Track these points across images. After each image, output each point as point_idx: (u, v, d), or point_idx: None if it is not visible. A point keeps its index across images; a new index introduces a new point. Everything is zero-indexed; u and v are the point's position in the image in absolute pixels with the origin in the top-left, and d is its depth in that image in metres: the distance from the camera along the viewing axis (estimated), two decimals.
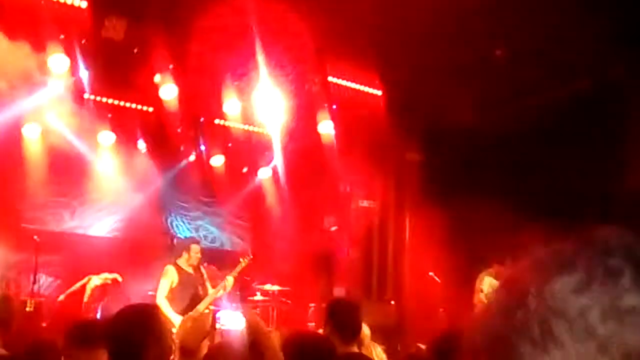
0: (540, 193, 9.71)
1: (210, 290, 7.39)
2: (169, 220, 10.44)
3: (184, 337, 4.92)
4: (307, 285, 10.00)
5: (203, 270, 7.41)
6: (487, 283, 8.22)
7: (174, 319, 6.81)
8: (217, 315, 7.75)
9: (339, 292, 9.90)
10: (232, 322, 8.08)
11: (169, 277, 7.17)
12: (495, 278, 8.23)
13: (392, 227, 10.33)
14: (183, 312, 6.95)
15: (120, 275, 8.24)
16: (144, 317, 3.11)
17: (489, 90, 9.75)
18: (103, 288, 8.05)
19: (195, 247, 7.37)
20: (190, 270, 7.32)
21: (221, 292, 7.46)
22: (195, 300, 7.19)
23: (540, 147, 9.73)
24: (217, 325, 7.53)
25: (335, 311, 4.36)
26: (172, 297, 7.10)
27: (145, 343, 2.96)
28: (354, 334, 4.33)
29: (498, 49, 9.52)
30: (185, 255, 7.32)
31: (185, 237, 9.99)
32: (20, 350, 4.15)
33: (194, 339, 4.88)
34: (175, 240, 9.56)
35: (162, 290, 7.13)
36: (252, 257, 7.94)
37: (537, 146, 9.75)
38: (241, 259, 7.81)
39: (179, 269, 7.25)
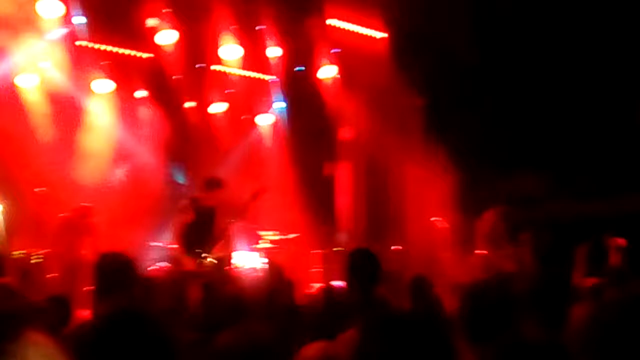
0: (543, 138, 9.73)
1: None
2: (170, 169, 10.34)
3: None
4: (310, 232, 10.03)
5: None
6: (491, 225, 8.18)
7: (186, 259, 6.89)
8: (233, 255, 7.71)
9: (341, 237, 9.94)
10: (248, 262, 8.13)
11: (185, 216, 7.14)
12: (501, 220, 8.18)
13: (394, 172, 10.30)
14: (197, 251, 6.99)
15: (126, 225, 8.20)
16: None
17: (491, 32, 9.64)
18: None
19: (217, 189, 7.28)
20: (207, 209, 7.24)
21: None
22: (210, 239, 7.16)
23: (542, 88, 9.69)
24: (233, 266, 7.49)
25: (354, 261, 4.38)
26: (188, 235, 7.02)
27: None
28: (373, 283, 4.35)
29: None
30: (204, 194, 7.26)
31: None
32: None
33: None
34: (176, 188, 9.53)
35: (177, 229, 7.13)
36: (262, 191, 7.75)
37: (539, 87, 9.70)
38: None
39: (196, 207, 7.18)
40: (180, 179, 10.06)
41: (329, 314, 3.66)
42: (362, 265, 4.30)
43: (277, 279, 4.60)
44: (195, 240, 7.05)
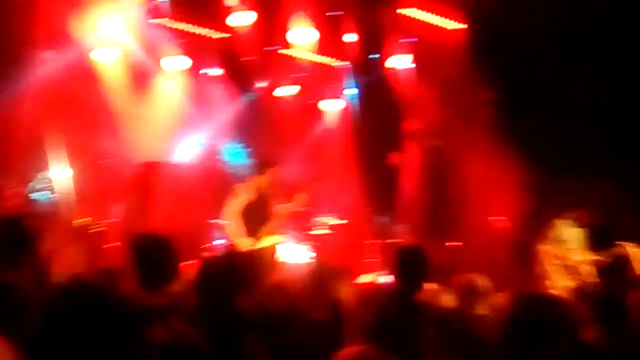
0: (622, 137, 9.31)
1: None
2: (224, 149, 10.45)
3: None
4: (367, 220, 10.00)
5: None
6: (561, 230, 7.91)
7: (240, 240, 6.94)
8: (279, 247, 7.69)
9: (400, 229, 9.87)
10: (295, 255, 8.11)
11: (240, 197, 7.14)
12: (576, 225, 7.89)
13: (460, 168, 10.12)
14: (254, 233, 7.03)
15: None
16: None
17: (575, 34, 9.28)
18: None
19: (272, 170, 7.27)
20: (264, 190, 7.21)
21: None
22: (267, 221, 7.18)
23: (624, 92, 9.27)
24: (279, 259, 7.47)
25: (402, 259, 4.32)
26: (244, 216, 7.07)
27: None
28: (420, 282, 4.29)
29: None
30: (260, 175, 7.25)
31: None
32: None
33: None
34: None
35: (232, 209, 7.09)
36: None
37: (620, 90, 9.29)
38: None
39: (253, 188, 7.18)
40: (241, 159, 10.14)
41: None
42: (409, 263, 4.25)
43: (319, 281, 4.55)
44: (252, 221, 7.07)
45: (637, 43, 8.95)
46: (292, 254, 8.14)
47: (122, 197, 8.35)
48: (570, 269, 7.73)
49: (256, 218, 7.09)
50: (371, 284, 6.64)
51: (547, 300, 3.30)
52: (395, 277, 4.31)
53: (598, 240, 7.90)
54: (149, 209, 8.06)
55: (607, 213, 8.40)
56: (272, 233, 7.17)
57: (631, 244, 7.31)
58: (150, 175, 7.95)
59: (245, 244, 6.97)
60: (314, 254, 8.10)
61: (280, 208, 7.19)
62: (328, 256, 7.40)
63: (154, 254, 3.51)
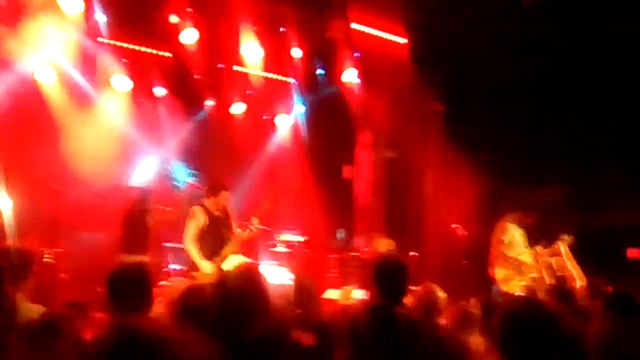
0: (564, 144, 9.60)
1: (237, 231, 7.14)
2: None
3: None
4: (327, 235, 9.94)
5: (234, 227, 7.20)
6: (511, 233, 8.08)
7: (203, 264, 6.76)
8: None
9: (359, 242, 9.84)
10: (273, 277, 7.94)
11: (197, 219, 6.98)
12: (519, 226, 8.08)
13: (414, 178, 10.20)
14: (210, 256, 6.87)
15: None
16: None
17: (515, 40, 9.50)
18: None
19: (224, 194, 7.15)
20: (217, 213, 7.09)
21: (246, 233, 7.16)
22: (222, 243, 7.04)
23: (565, 99, 9.56)
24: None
25: (381, 271, 4.24)
26: (199, 240, 6.91)
27: None
28: (400, 296, 4.22)
29: None
30: (212, 198, 7.13)
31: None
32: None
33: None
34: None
35: (191, 232, 6.91)
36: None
37: (561, 98, 9.58)
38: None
39: (208, 211, 7.06)
40: (188, 178, 9.91)
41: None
42: (391, 277, 4.17)
43: (306, 298, 4.44)
44: (208, 245, 6.93)
45: (577, 39, 9.23)
46: (271, 274, 7.99)
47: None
48: (523, 269, 7.92)
49: (211, 241, 6.95)
50: (348, 300, 6.56)
51: (536, 306, 3.31)
52: (376, 292, 4.22)
53: (539, 238, 8.10)
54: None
55: (550, 213, 8.67)
56: (232, 255, 7.01)
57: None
58: (142, 203, 7.67)
59: (207, 267, 6.78)
60: (292, 275, 7.96)
61: (239, 233, 7.06)
62: (303, 274, 7.29)
63: (133, 282, 3.39)
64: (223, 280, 2.88)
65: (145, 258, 7.40)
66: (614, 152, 9.42)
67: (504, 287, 7.90)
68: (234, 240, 7.00)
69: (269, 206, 7.69)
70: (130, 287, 3.34)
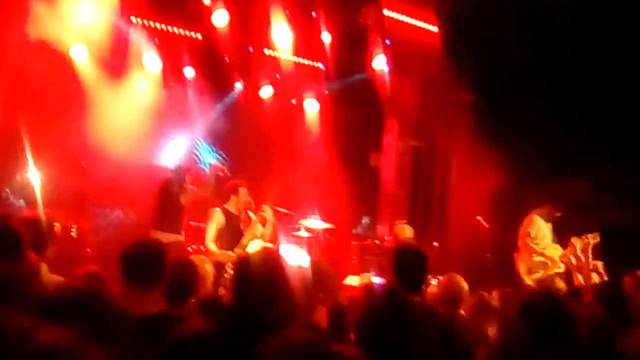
0: (592, 138, 9.45)
1: (258, 228, 7.23)
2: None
3: None
4: (351, 222, 9.95)
5: (251, 214, 7.26)
6: (537, 226, 8.02)
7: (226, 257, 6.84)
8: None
9: (382, 230, 9.85)
10: (294, 257, 8.01)
11: (216, 220, 7.09)
12: (547, 220, 8.01)
13: (440, 168, 10.14)
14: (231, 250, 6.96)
15: None
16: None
17: (547, 31, 9.35)
18: None
19: (243, 190, 7.25)
20: (236, 212, 7.21)
21: (260, 228, 7.26)
22: (241, 238, 7.11)
23: (594, 92, 9.40)
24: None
25: (400, 260, 4.24)
26: (219, 239, 7.04)
27: None
28: (418, 285, 4.22)
29: None
30: (233, 198, 7.23)
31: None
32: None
33: None
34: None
35: (210, 233, 7.05)
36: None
37: (593, 91, 9.41)
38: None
39: (226, 211, 7.15)
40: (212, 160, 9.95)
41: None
42: (409, 265, 4.18)
43: (324, 281, 4.45)
44: (229, 242, 7.04)
45: (609, 42, 9.07)
46: (291, 256, 8.06)
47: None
48: (548, 264, 7.88)
49: (231, 237, 7.07)
50: (367, 286, 6.58)
51: (555, 299, 3.30)
52: (394, 280, 4.24)
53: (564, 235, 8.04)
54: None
55: (577, 208, 8.58)
56: (252, 241, 7.10)
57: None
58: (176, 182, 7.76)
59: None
60: (310, 257, 8.02)
61: (254, 221, 7.14)
62: (320, 258, 7.33)
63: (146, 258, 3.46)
64: (241, 264, 2.87)
65: (180, 237, 7.52)
66: None
67: (528, 280, 7.87)
68: (250, 230, 7.09)
69: (278, 190, 7.74)
70: (143, 263, 3.35)
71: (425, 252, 4.30)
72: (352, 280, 7.92)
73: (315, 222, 8.85)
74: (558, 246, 7.92)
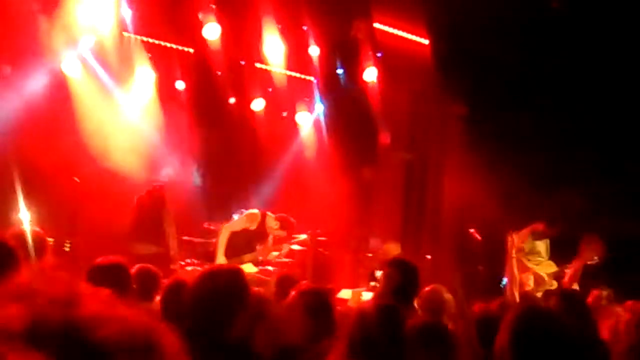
0: (584, 151, 9.49)
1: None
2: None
3: None
4: (344, 235, 9.94)
5: (270, 240, 7.32)
6: (532, 242, 7.99)
7: (219, 256, 6.90)
8: None
9: (375, 243, 9.84)
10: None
11: (242, 221, 7.20)
12: (542, 236, 8.00)
13: (432, 180, 10.16)
14: (230, 256, 7.00)
15: None
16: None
17: (539, 43, 9.41)
18: None
19: (269, 218, 7.31)
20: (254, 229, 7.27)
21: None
22: (247, 251, 7.16)
23: (586, 104, 9.44)
24: None
25: (391, 273, 4.27)
26: (235, 236, 7.11)
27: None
28: (409, 298, 4.25)
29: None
30: (274, 223, 7.26)
31: None
32: None
33: None
34: None
35: (232, 224, 7.20)
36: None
37: (587, 102, 9.45)
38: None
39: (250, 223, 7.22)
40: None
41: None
42: (401, 279, 4.20)
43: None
44: (237, 246, 7.07)
45: (604, 50, 9.11)
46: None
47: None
48: (539, 281, 7.85)
49: (241, 245, 7.10)
50: (358, 301, 6.57)
51: (548, 314, 3.28)
52: (386, 293, 4.25)
53: (561, 251, 8.03)
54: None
55: (573, 223, 8.57)
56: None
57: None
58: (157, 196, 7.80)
59: (220, 261, 6.89)
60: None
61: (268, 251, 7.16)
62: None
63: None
64: (201, 279, 2.88)
65: (160, 249, 7.53)
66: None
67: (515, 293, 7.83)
68: (256, 253, 7.12)
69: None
70: (108, 277, 3.45)
71: (416, 265, 4.33)
72: (345, 294, 7.89)
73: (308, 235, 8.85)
74: (552, 263, 7.90)
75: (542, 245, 8.00)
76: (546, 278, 7.78)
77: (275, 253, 7.36)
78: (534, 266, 7.91)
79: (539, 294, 7.71)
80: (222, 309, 2.75)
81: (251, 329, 2.82)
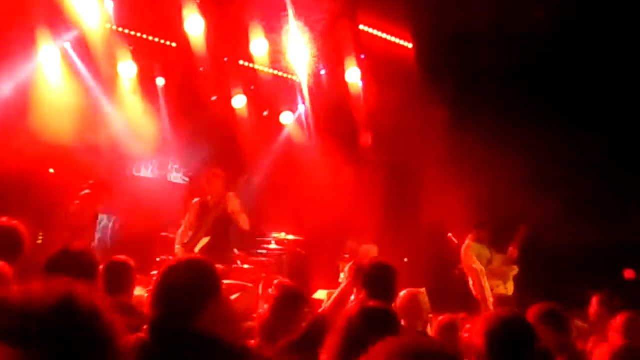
0: (568, 155, 9.55)
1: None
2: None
3: None
4: (322, 236, 9.92)
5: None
6: (476, 250, 8.16)
7: (176, 249, 7.05)
8: None
9: (352, 244, 9.81)
10: None
11: (192, 211, 7.27)
12: (480, 242, 8.17)
13: (411, 183, 10.17)
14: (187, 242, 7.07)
15: None
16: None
17: (522, 48, 9.46)
18: None
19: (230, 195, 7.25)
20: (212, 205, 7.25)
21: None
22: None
23: (572, 109, 9.51)
24: None
25: (371, 276, 4.25)
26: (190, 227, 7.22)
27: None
28: (390, 299, 4.24)
29: (537, 8, 9.23)
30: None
31: None
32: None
33: None
34: None
35: (184, 221, 7.28)
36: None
37: (569, 107, 9.52)
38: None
39: (203, 203, 7.28)
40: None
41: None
42: (379, 281, 4.19)
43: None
44: (194, 233, 7.09)
45: (588, 55, 9.20)
46: None
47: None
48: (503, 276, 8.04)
49: (196, 230, 7.09)
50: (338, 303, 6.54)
51: (520, 321, 3.28)
52: (364, 295, 4.23)
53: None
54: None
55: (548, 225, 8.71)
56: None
57: None
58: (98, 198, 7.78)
59: (178, 252, 6.94)
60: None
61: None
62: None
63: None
64: (165, 270, 2.87)
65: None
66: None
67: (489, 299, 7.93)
68: (205, 226, 7.07)
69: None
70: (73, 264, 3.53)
71: (395, 267, 4.32)
72: (321, 295, 7.87)
73: (285, 235, 8.83)
74: (499, 257, 8.13)
75: (484, 250, 8.17)
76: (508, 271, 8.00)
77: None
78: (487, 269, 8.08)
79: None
80: (190, 299, 2.72)
81: (220, 325, 2.82)
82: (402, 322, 4.65)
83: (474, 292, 8.02)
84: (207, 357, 2.59)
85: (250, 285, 6.78)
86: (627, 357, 3.22)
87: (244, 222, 7.02)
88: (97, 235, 8.96)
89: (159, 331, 2.62)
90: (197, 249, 6.92)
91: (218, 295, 2.82)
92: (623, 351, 3.24)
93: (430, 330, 5.07)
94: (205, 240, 7.01)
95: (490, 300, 7.80)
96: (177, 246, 7.09)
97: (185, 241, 7.09)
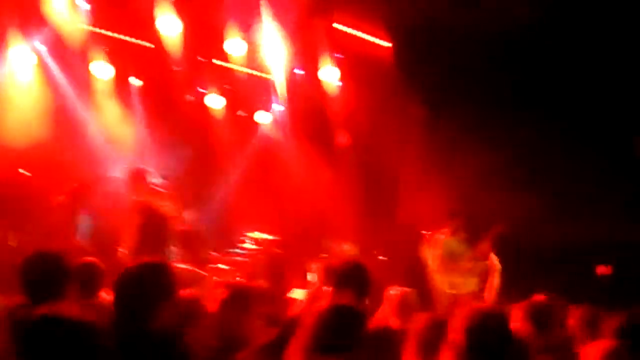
0: (546, 153, 9.62)
1: None
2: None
3: None
4: (299, 235, 9.91)
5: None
6: (448, 245, 8.16)
7: None
8: None
9: (329, 244, 9.82)
10: None
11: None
12: (454, 237, 8.17)
13: (389, 182, 10.20)
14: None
15: None
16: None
17: (500, 48, 9.52)
18: None
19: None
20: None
21: None
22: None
23: (549, 107, 9.59)
24: None
25: (344, 274, 4.25)
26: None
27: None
28: (360, 297, 4.24)
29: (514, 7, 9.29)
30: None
31: None
32: None
33: None
34: None
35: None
36: None
37: (546, 106, 9.60)
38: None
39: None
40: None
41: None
42: (351, 279, 4.19)
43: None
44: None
45: (564, 53, 9.28)
46: None
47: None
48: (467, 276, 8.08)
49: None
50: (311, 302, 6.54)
51: (498, 315, 3.30)
52: (337, 294, 4.23)
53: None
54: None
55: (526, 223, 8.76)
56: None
57: None
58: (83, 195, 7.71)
59: None
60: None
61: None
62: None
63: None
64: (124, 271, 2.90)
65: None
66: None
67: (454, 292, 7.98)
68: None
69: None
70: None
71: (367, 265, 4.32)
72: (297, 294, 7.86)
73: (262, 235, 8.81)
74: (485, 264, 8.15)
75: (457, 245, 8.20)
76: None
77: None
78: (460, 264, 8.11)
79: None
80: (146, 300, 2.78)
81: (179, 325, 2.87)
82: (395, 321, 4.72)
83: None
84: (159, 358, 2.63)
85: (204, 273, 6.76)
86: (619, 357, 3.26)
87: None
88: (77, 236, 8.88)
89: (117, 333, 2.65)
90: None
91: (172, 297, 2.87)
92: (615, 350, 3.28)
93: None
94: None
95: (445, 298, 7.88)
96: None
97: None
